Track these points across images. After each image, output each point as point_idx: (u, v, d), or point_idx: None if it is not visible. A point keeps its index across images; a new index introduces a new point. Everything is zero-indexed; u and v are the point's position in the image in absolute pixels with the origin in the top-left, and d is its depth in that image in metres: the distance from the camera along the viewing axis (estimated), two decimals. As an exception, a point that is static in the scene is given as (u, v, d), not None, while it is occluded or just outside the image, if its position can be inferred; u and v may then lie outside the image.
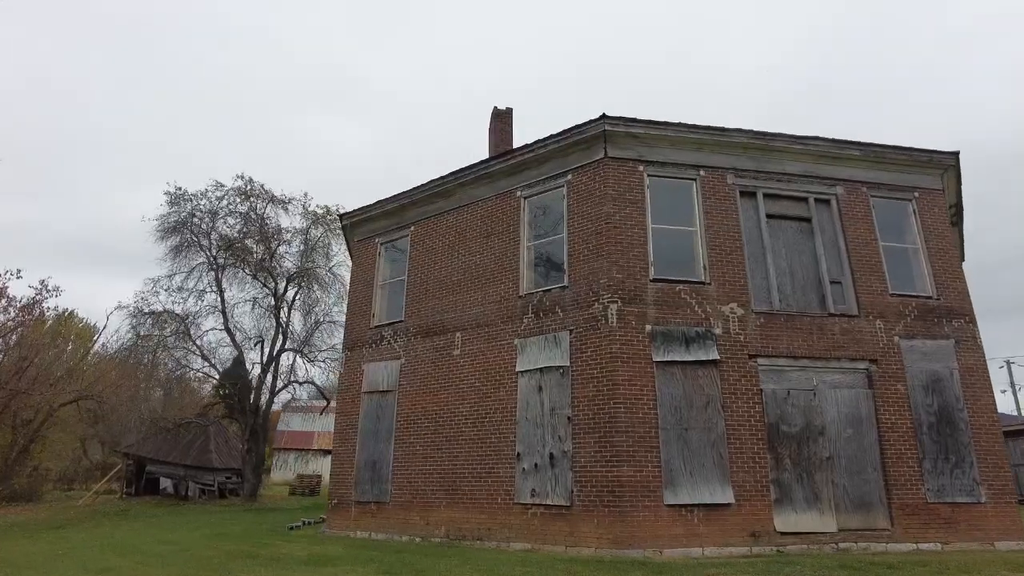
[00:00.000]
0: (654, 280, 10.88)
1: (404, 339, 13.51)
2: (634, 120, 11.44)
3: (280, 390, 25.83)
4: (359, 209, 15.18)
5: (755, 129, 11.82)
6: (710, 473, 9.98)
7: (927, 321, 11.54)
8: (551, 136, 11.97)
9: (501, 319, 11.99)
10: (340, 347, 25.32)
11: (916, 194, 12.50)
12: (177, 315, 25.17)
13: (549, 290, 11.51)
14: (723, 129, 11.72)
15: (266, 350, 25.19)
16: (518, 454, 10.89)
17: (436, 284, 13.38)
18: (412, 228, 14.36)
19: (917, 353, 11.25)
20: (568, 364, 10.73)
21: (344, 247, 25.92)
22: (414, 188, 14.17)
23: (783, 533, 9.87)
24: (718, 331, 10.75)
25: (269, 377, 25.01)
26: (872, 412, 10.78)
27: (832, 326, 11.20)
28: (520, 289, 11.92)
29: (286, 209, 25.27)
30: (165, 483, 23.94)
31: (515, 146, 15.58)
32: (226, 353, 25.25)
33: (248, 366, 24.99)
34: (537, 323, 11.43)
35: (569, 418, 10.45)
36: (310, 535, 13.29)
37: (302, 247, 26.02)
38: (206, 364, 25.19)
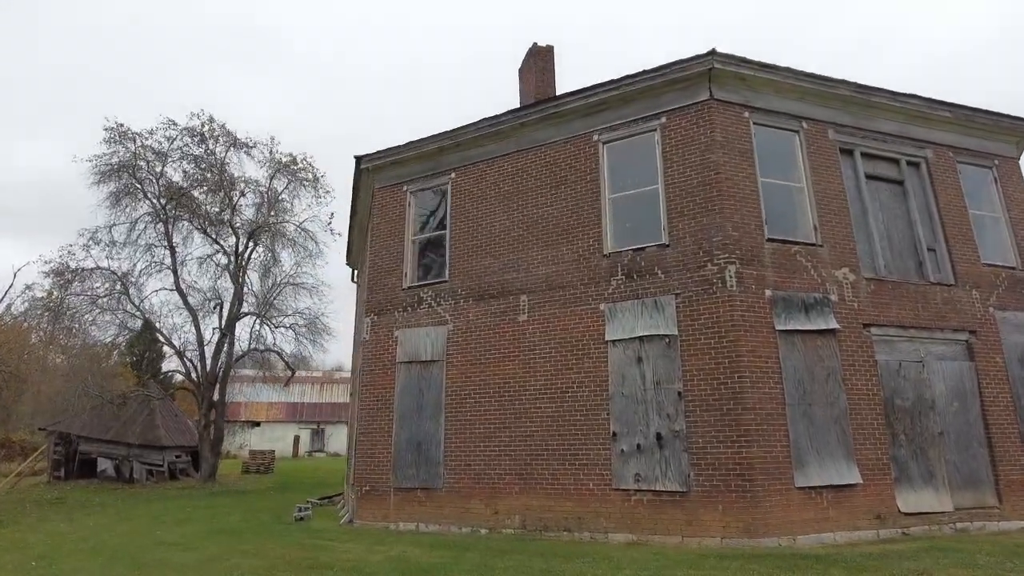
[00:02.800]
0: (769, 240, 9.78)
1: (450, 302, 11.74)
2: (744, 60, 10.15)
3: (240, 358, 23.02)
4: (385, 150, 13.05)
5: (858, 82, 10.88)
6: (835, 451, 9.14)
7: (1016, 292, 11.22)
8: (644, 72, 10.47)
9: (581, 281, 10.52)
10: (308, 313, 22.96)
11: (996, 161, 12.10)
12: (112, 273, 21.68)
13: (642, 248, 10.14)
14: (828, 79, 10.69)
15: (224, 314, 22.25)
16: (613, 433, 9.59)
17: (490, 239, 11.65)
18: (453, 174, 12.46)
19: (1010, 325, 10.90)
20: (676, 333, 9.47)
21: (312, 199, 23.34)
22: (458, 128, 12.24)
23: (906, 514, 9.23)
24: (834, 298, 9.85)
25: (232, 345, 22.10)
26: (975, 385, 10.33)
27: (934, 295, 10.60)
28: (604, 247, 10.47)
29: (249, 154, 22.19)
30: (104, 464, 20.75)
31: (558, 92, 14.00)
32: (180, 319, 22.06)
33: (208, 333, 21.98)
34: (630, 286, 10.06)
35: (680, 393, 9.23)
36: (335, 529, 11.46)
37: (263, 199, 23.02)
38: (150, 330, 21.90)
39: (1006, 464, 10.03)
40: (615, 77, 10.76)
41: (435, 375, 11.51)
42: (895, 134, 11.35)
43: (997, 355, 10.60)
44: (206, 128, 21.19)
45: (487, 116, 11.97)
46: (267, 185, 22.87)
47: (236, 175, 22.79)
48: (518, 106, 14.26)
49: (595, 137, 11.05)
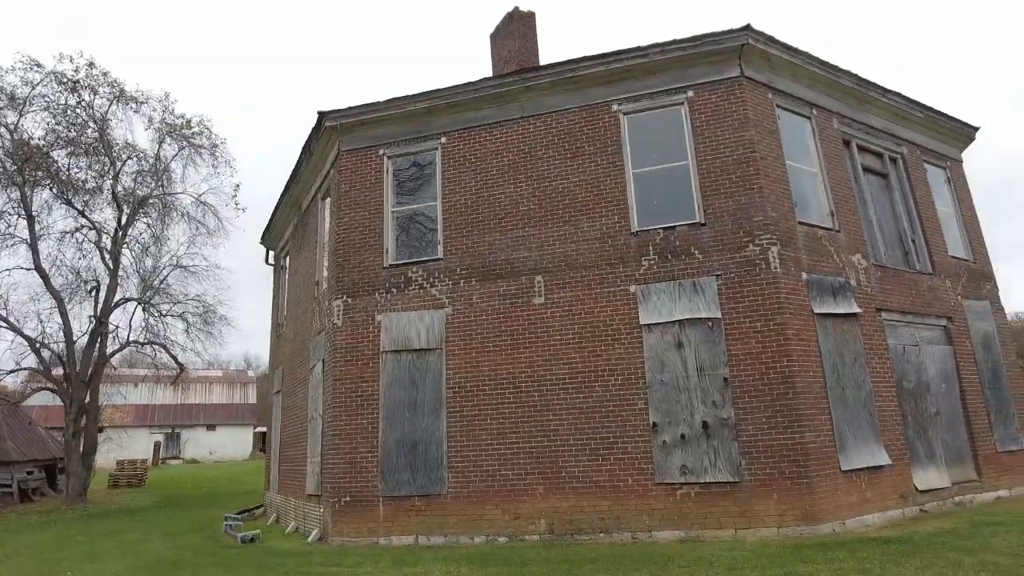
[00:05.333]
0: (800, 223, 9.65)
1: (447, 282, 10.36)
2: (773, 40, 9.94)
3: (114, 353, 19.30)
4: (360, 107, 11.26)
5: (858, 74, 11.16)
6: (866, 434, 9.20)
7: (973, 283, 12.20)
8: (674, 41, 9.89)
9: (606, 260, 9.71)
10: (204, 297, 19.96)
11: (948, 163, 13.13)
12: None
13: (674, 227, 9.56)
14: (837, 68, 10.84)
15: (101, 299, 18.48)
16: (653, 424, 8.91)
17: (494, 214, 10.45)
18: (444, 139, 11.05)
19: (973, 312, 11.81)
20: (719, 316, 9.00)
21: (210, 170, 20.27)
22: (452, 87, 10.85)
23: (921, 491, 9.55)
24: (853, 282, 9.96)
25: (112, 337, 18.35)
26: (954, 368, 11.03)
27: (920, 283, 11.17)
28: (632, 224, 9.75)
29: (138, 111, 18.58)
30: (-72, 488, 16.27)
31: (542, 63, 13.09)
32: (43, 305, 17.88)
33: (79, 324, 18.06)
34: (663, 266, 9.43)
35: (726, 379, 8.77)
36: (313, 550, 9.67)
37: (149, 165, 19.47)
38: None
39: (981, 440, 10.80)
40: (641, 44, 10.08)
41: (432, 365, 10.09)
42: (880, 129, 11.84)
43: (967, 340, 11.43)
44: (82, 75, 17.37)
45: (487, 77, 10.76)
46: (155, 150, 19.37)
47: (121, 136, 19.07)
48: (492, 74, 13.18)
49: (615, 107, 10.28)
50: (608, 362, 9.32)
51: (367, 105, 11.24)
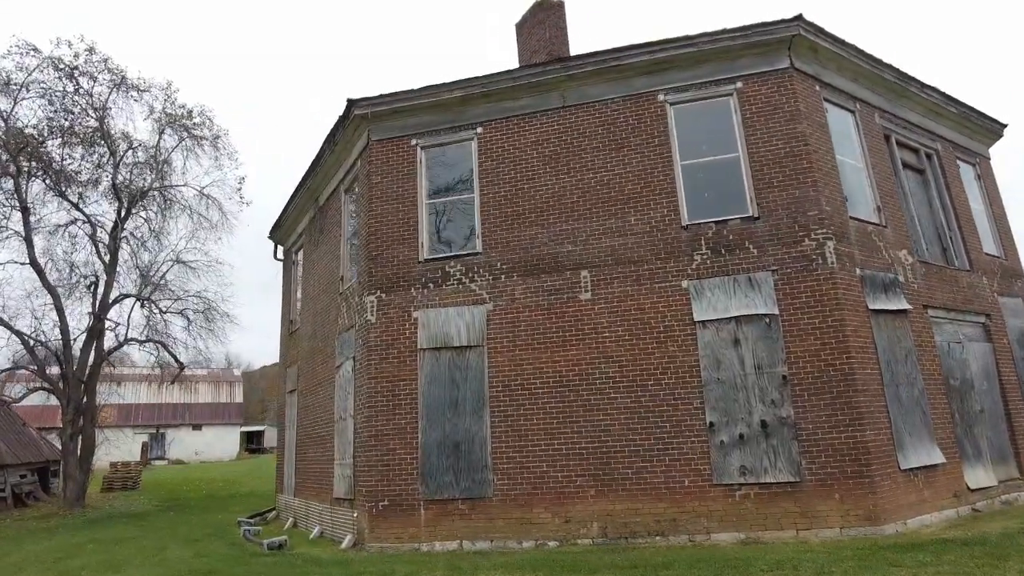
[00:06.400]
0: (852, 217, 9.47)
1: (487, 277, 10.01)
2: (822, 31, 9.74)
3: (113, 351, 18.56)
4: (391, 94, 10.83)
5: (900, 68, 11.03)
6: (921, 432, 9.06)
7: (1007, 280, 12.18)
8: (723, 31, 9.63)
9: (656, 255, 9.43)
10: (205, 293, 19.33)
11: (977, 159, 13.10)
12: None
13: (726, 221, 9.31)
14: (880, 61, 10.69)
15: (99, 295, 17.75)
16: (710, 424, 8.65)
17: (535, 206, 10.11)
18: (479, 129, 10.68)
19: (1008, 309, 11.79)
20: (776, 312, 8.77)
21: (211, 162, 19.61)
22: (489, 75, 10.49)
23: (972, 490, 9.44)
24: (901, 279, 9.81)
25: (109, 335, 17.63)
26: (994, 365, 10.97)
27: (960, 279, 11.09)
28: (682, 218, 9.48)
29: (139, 99, 17.85)
30: (-84, 494, 15.47)
31: (572, 53, 12.74)
32: (39, 302, 17.11)
33: (76, 321, 17.32)
34: (717, 261, 9.18)
35: (784, 377, 8.55)
36: (354, 558, 9.26)
37: (146, 156, 18.75)
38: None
39: (1021, 438, 10.75)
40: (689, 33, 9.81)
41: (473, 363, 9.73)
42: (916, 124, 11.74)
43: (1004, 337, 11.39)
44: (81, 61, 16.62)
45: (525, 65, 10.42)
46: (155, 141, 18.65)
47: (121, 126, 18.35)
48: (524, 63, 12.81)
49: (661, 97, 10.00)
50: (661, 360, 9.05)
51: (399, 93, 10.83)
